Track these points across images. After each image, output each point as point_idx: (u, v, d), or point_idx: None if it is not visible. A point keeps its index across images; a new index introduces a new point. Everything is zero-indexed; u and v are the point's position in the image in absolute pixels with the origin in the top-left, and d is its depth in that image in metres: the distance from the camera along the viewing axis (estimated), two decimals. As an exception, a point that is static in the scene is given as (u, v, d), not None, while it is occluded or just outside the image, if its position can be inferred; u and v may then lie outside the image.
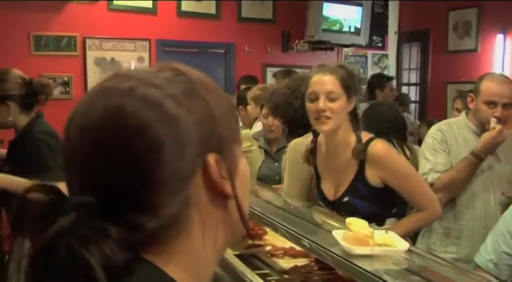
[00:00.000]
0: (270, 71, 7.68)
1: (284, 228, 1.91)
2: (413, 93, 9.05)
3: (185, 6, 7.48)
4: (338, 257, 1.62)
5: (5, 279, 4.03)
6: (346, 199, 2.54)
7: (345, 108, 2.47)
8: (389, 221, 2.62)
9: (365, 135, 2.54)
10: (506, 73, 5.94)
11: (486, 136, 3.13)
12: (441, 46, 8.45)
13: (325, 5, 7.80)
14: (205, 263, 0.86)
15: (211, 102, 0.85)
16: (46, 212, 0.75)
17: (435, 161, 3.30)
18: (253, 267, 2.16)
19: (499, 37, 7.68)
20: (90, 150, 0.79)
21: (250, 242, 2.49)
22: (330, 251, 1.66)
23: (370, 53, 8.85)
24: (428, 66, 8.79)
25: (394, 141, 3.93)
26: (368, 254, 1.62)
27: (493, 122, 3.11)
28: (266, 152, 3.95)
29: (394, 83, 7.38)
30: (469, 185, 3.28)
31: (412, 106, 8.84)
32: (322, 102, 2.45)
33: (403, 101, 7.55)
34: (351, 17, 8.08)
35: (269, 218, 2.05)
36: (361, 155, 2.46)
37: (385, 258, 1.66)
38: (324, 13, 7.81)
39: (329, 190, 2.64)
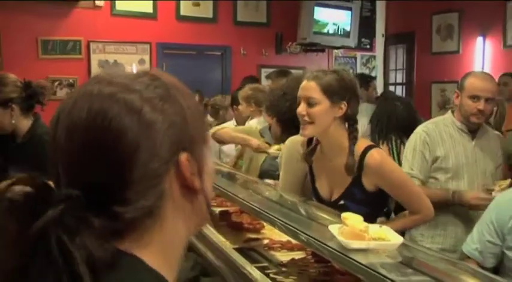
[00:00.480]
0: (264, 72, 7.65)
1: (282, 223, 1.86)
2: (399, 92, 9.04)
3: (184, 11, 7.49)
4: (335, 251, 1.57)
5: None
6: (342, 202, 2.46)
7: (327, 113, 2.37)
8: (379, 219, 2.58)
9: (362, 143, 2.46)
10: (487, 73, 5.94)
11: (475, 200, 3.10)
12: (425, 48, 8.47)
13: (316, 9, 7.80)
14: (177, 249, 0.90)
15: (184, 105, 0.88)
16: (36, 203, 0.77)
17: (412, 162, 3.26)
18: (251, 260, 2.10)
19: (479, 39, 7.73)
20: (76, 149, 0.83)
21: (249, 235, 2.46)
22: (327, 245, 1.61)
23: (359, 54, 8.86)
24: (413, 66, 8.80)
25: (393, 138, 3.87)
26: (364, 248, 1.58)
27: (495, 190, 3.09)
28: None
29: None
30: (455, 180, 3.25)
31: (399, 104, 8.80)
32: (301, 107, 2.41)
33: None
34: (340, 21, 8.08)
35: (267, 213, 2.00)
36: (352, 171, 2.39)
37: (380, 251, 1.61)
38: (315, 17, 7.81)
39: (324, 191, 2.56)
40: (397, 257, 1.60)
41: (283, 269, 1.95)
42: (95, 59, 7.03)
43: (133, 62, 7.24)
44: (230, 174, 3.16)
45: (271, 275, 1.88)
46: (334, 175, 2.48)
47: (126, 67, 7.16)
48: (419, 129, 3.38)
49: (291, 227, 1.81)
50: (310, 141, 2.62)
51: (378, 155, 2.42)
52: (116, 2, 7.08)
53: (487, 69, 7.21)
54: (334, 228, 1.68)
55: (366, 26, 8.56)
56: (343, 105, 2.39)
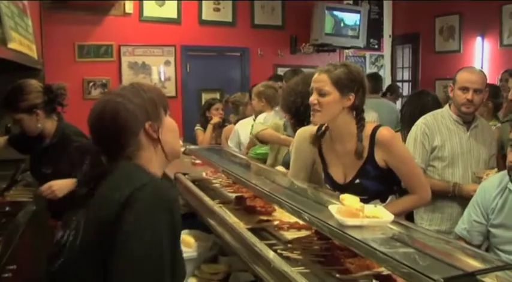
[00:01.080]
0: (280, 71, 7.67)
1: (288, 204, 1.91)
2: (406, 89, 9.01)
3: (205, 16, 7.54)
4: (333, 228, 1.63)
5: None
6: (357, 181, 2.49)
7: (336, 102, 2.41)
8: (390, 197, 2.59)
9: (370, 125, 2.50)
10: (485, 70, 5.94)
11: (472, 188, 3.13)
12: (429, 47, 8.44)
13: (328, 12, 7.80)
14: (154, 165, 1.64)
15: (145, 98, 1.63)
16: (86, 151, 1.60)
17: (414, 151, 3.28)
18: (262, 238, 2.16)
19: (478, 39, 7.77)
20: (97, 125, 1.61)
21: (261, 217, 2.51)
22: (326, 223, 1.67)
23: (368, 53, 8.83)
24: (418, 65, 8.77)
25: None
26: (358, 225, 1.63)
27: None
28: None
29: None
30: (451, 167, 3.29)
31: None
32: (312, 97, 2.45)
33: (393, 90, 7.53)
34: (350, 23, 8.06)
35: (276, 196, 2.06)
36: (361, 156, 2.44)
37: (375, 228, 1.66)
38: (326, 19, 7.81)
39: (338, 175, 2.58)
40: (389, 233, 1.65)
41: (289, 245, 2.00)
42: (125, 61, 7.11)
43: (159, 63, 7.31)
44: (246, 163, 3.21)
45: (278, 251, 1.93)
46: (346, 158, 2.52)
47: (153, 68, 7.25)
48: (420, 122, 3.41)
49: (296, 208, 1.87)
50: (319, 130, 2.66)
51: (388, 131, 2.47)
52: (144, 9, 7.14)
53: (485, 67, 7.23)
54: (333, 208, 1.73)
55: (374, 28, 8.55)
56: (351, 97, 2.42)
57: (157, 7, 7.23)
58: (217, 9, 7.60)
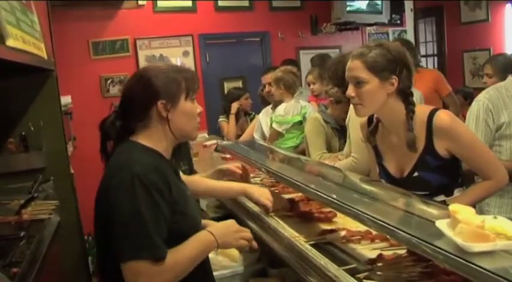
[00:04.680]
0: (302, 53, 7.23)
1: (374, 220, 1.41)
2: (431, 63, 8.50)
3: (221, 2, 7.10)
4: (454, 257, 1.13)
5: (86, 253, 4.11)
6: (416, 174, 2.07)
7: (376, 90, 1.99)
8: (456, 191, 2.14)
9: (425, 109, 2.07)
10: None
11: None
12: (455, 19, 8.00)
13: (349, -12, 7.24)
14: (162, 142, 1.75)
15: (170, 78, 1.74)
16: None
17: (475, 131, 2.83)
18: (332, 257, 1.66)
19: (508, 7, 7.30)
20: (127, 90, 1.79)
21: (323, 227, 2.04)
22: (441, 249, 1.17)
23: (390, 29, 8.28)
24: (444, 37, 8.29)
25: None
26: (488, 251, 1.15)
27: None
28: (338, 131, 3.36)
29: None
30: None
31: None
32: (349, 89, 2.04)
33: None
34: (372, -1, 7.50)
35: (352, 207, 1.55)
36: (414, 147, 2.02)
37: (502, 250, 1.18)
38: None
39: (394, 168, 2.16)
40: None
41: (378, 273, 1.47)
42: (142, 55, 6.66)
43: (177, 54, 6.83)
44: (285, 158, 2.72)
45: (364, 281, 1.43)
46: (402, 149, 2.07)
47: (171, 60, 6.80)
48: (482, 97, 2.92)
49: (387, 225, 1.36)
50: (370, 119, 2.23)
51: (447, 116, 2.02)
52: (157, 0, 6.72)
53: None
54: (443, 225, 1.24)
55: (395, 3, 7.98)
56: (394, 80, 1.98)
57: (171, -4, 6.77)
58: (233, -6, 7.12)
